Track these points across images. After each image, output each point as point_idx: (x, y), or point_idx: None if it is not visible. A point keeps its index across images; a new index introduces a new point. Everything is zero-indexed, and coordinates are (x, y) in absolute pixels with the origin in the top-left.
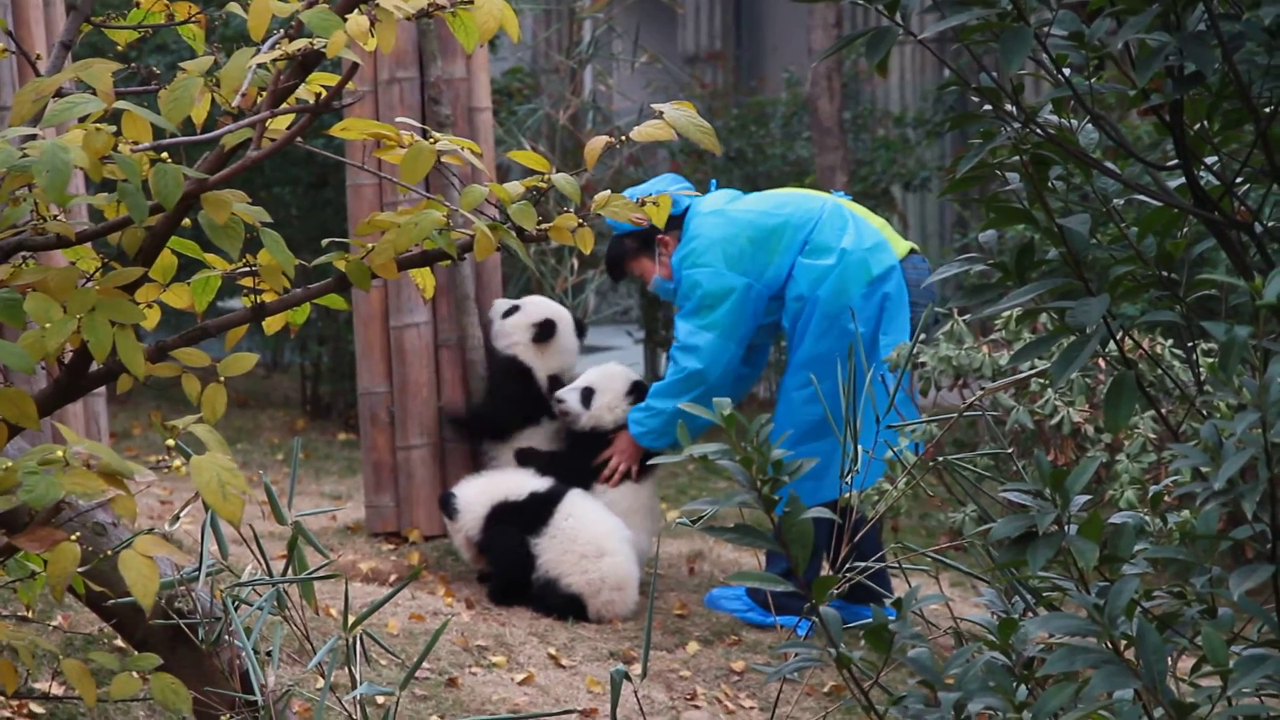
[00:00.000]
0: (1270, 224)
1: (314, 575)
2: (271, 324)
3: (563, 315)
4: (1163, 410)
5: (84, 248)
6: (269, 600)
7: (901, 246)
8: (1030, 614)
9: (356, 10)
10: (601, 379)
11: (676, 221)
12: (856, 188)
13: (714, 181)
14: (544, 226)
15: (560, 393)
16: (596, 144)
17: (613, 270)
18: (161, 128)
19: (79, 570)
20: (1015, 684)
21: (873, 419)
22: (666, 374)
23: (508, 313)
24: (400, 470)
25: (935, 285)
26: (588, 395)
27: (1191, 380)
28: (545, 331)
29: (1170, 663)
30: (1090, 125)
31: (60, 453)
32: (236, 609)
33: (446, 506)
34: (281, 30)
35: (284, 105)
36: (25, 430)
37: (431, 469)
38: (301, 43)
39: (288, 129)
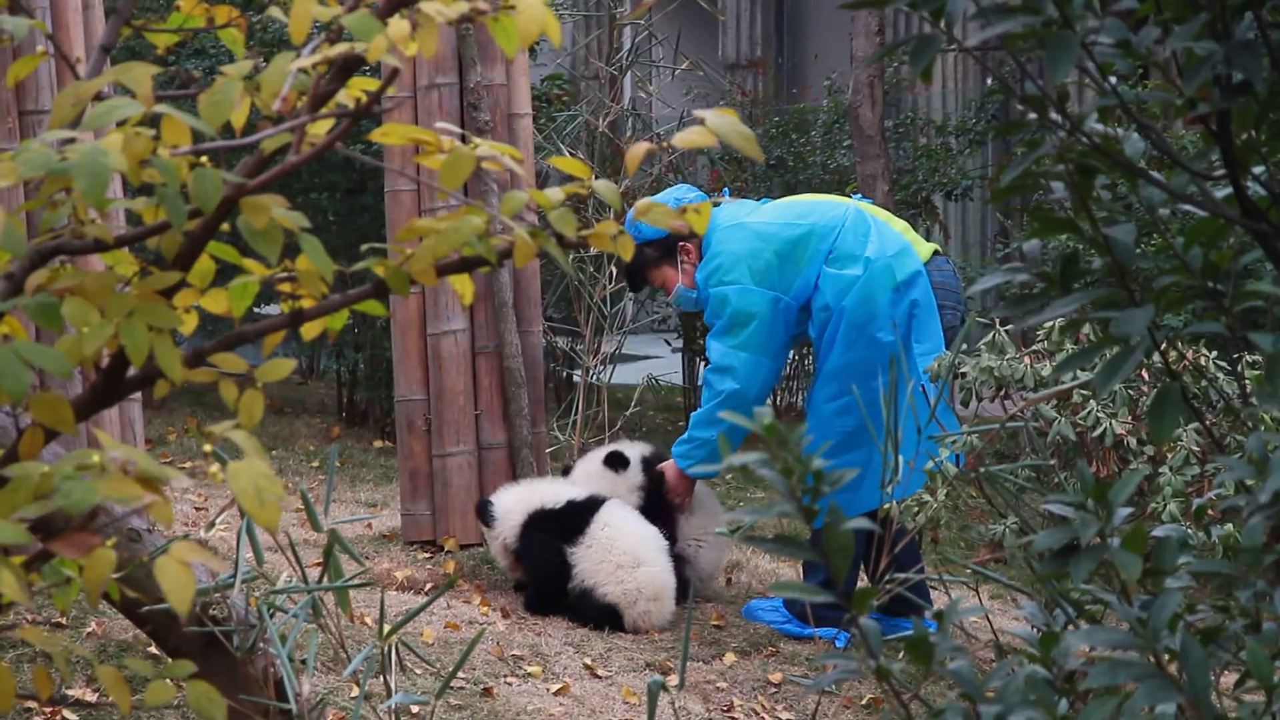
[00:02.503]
0: None
1: (349, 583)
2: (309, 329)
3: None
4: (1207, 422)
5: (122, 252)
6: (304, 608)
7: (925, 250)
8: (1072, 627)
9: (398, 15)
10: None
11: None
12: (898, 196)
13: (726, 190)
14: (584, 233)
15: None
16: (638, 150)
17: (632, 280)
18: (201, 132)
19: (114, 576)
20: (1057, 697)
21: (911, 430)
22: (703, 400)
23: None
24: (436, 478)
25: (961, 286)
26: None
27: (1236, 392)
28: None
29: (1214, 678)
30: (1136, 134)
31: (97, 458)
32: (272, 616)
33: (483, 514)
34: (322, 34)
35: (324, 110)
36: (61, 435)
37: (468, 477)
38: (342, 47)
39: (327, 134)
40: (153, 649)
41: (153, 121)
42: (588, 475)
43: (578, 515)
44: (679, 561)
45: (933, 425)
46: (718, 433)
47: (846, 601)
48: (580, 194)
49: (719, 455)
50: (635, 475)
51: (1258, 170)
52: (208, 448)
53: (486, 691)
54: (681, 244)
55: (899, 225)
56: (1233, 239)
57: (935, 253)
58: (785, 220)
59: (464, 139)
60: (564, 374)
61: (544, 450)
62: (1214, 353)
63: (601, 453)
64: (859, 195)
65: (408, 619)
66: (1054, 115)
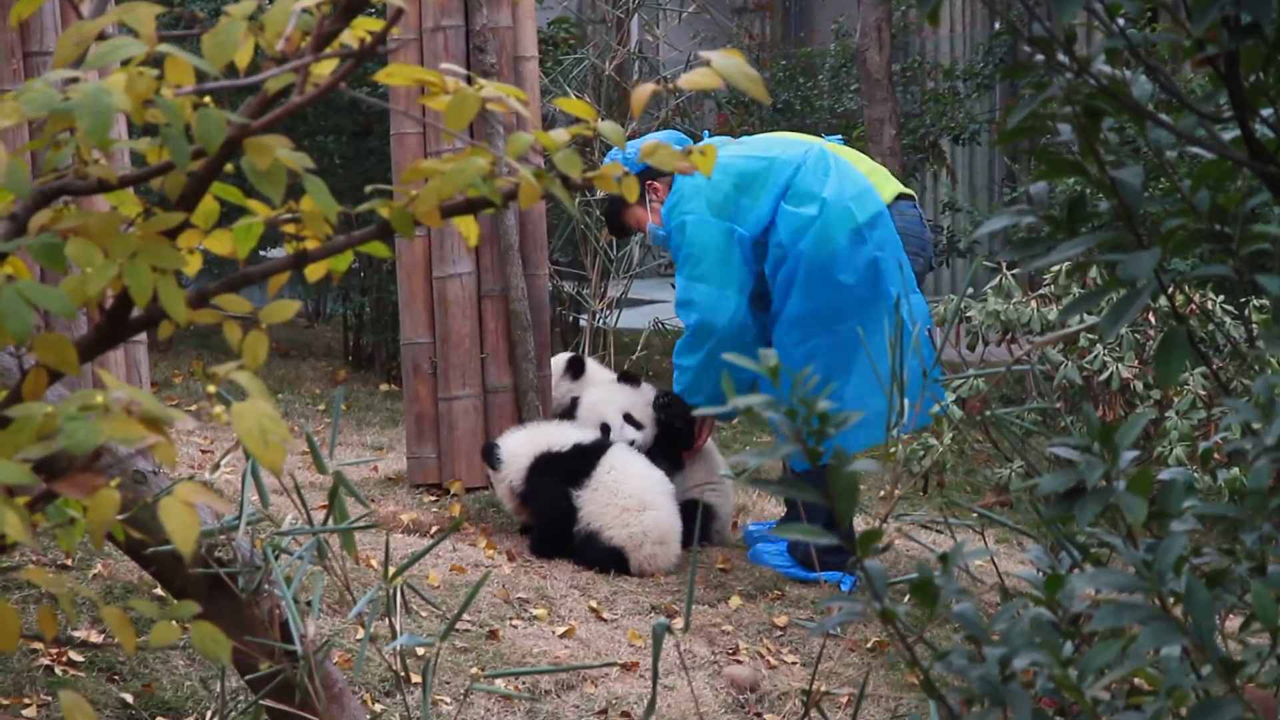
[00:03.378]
0: None
1: (355, 525)
2: (313, 271)
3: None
4: (1214, 366)
5: (126, 192)
6: (309, 550)
7: (889, 191)
8: (1077, 570)
9: None
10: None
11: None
12: (905, 140)
13: (706, 131)
14: (589, 175)
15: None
16: (643, 92)
17: (611, 224)
18: (204, 72)
19: (119, 518)
20: (1062, 640)
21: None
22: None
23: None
24: (442, 421)
25: (927, 232)
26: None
27: (1243, 336)
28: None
29: (1219, 621)
30: (1144, 76)
31: (100, 398)
32: (277, 558)
33: (489, 456)
34: None
35: (328, 50)
36: (65, 376)
37: (474, 420)
38: None
39: (331, 74)
40: (158, 590)
41: (156, 62)
42: (608, 394)
43: (584, 458)
44: (706, 512)
45: (916, 371)
46: (694, 360)
47: (849, 544)
48: (586, 136)
49: (703, 381)
50: (649, 392)
51: (1266, 112)
52: (212, 389)
53: (492, 634)
54: (650, 183)
55: (865, 166)
56: (1240, 182)
57: (901, 196)
58: (748, 154)
59: (469, 81)
60: (570, 318)
61: (550, 394)
62: (1221, 296)
63: (562, 359)
64: (838, 138)
65: (412, 561)
66: (1061, 57)
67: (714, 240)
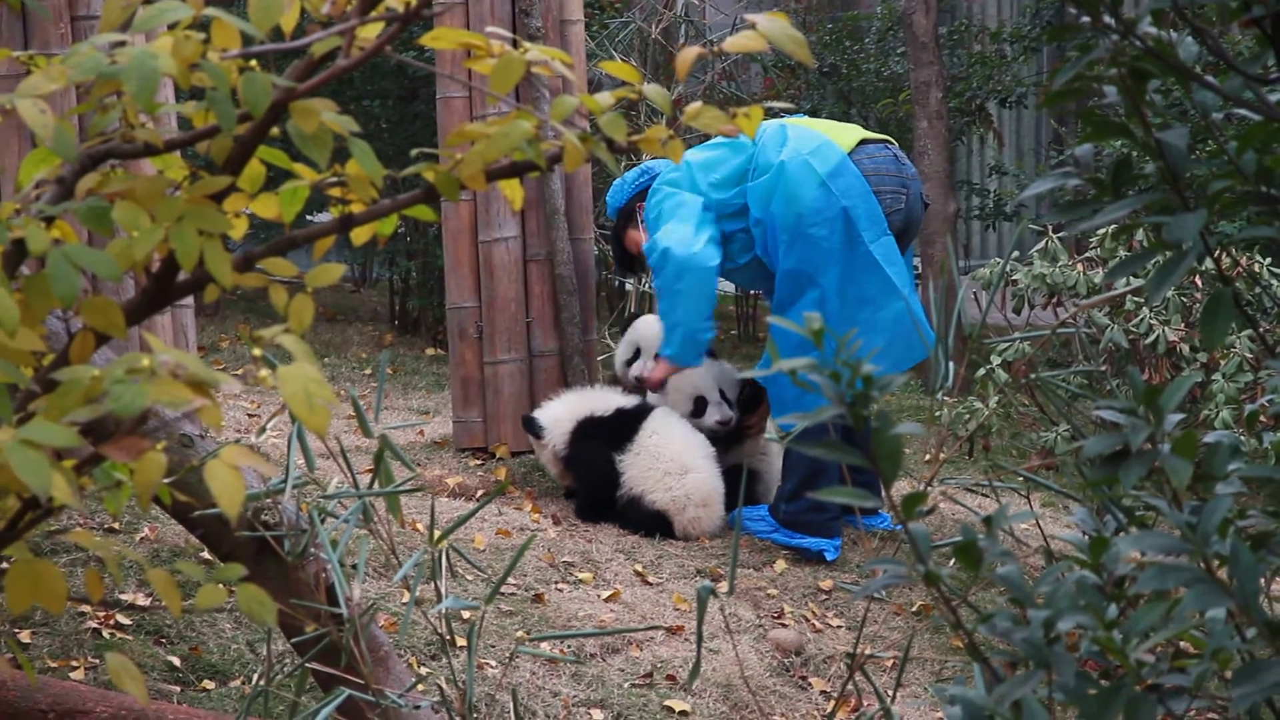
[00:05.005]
0: None
1: (400, 489)
2: (359, 235)
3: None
4: (1260, 329)
5: (172, 156)
6: (355, 514)
7: (848, 139)
8: (1122, 533)
9: None
10: (645, 335)
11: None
12: (952, 104)
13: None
14: (634, 138)
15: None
16: (688, 55)
17: (620, 260)
18: (250, 35)
19: (165, 481)
20: (1106, 603)
21: (887, 319)
22: None
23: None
24: (488, 385)
25: (906, 169)
26: (634, 355)
27: None
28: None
29: (1264, 583)
30: (1190, 38)
31: (147, 362)
32: (323, 522)
33: (530, 427)
34: None
35: (373, 13)
36: (112, 340)
37: (519, 384)
38: None
39: (377, 38)
40: (205, 554)
41: (203, 25)
42: (702, 368)
43: (626, 423)
44: (751, 475)
45: (899, 322)
46: (665, 303)
47: (837, 511)
48: (631, 99)
49: (678, 335)
50: (731, 370)
51: None
52: (257, 352)
53: (537, 598)
54: (639, 205)
55: (823, 126)
56: None
57: (869, 141)
58: (708, 145)
59: (515, 44)
60: (615, 282)
61: (595, 358)
62: (1268, 259)
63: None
64: (800, 114)
65: (458, 524)
66: (1107, 19)
67: (678, 200)
